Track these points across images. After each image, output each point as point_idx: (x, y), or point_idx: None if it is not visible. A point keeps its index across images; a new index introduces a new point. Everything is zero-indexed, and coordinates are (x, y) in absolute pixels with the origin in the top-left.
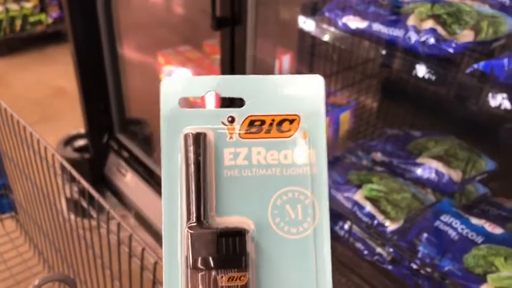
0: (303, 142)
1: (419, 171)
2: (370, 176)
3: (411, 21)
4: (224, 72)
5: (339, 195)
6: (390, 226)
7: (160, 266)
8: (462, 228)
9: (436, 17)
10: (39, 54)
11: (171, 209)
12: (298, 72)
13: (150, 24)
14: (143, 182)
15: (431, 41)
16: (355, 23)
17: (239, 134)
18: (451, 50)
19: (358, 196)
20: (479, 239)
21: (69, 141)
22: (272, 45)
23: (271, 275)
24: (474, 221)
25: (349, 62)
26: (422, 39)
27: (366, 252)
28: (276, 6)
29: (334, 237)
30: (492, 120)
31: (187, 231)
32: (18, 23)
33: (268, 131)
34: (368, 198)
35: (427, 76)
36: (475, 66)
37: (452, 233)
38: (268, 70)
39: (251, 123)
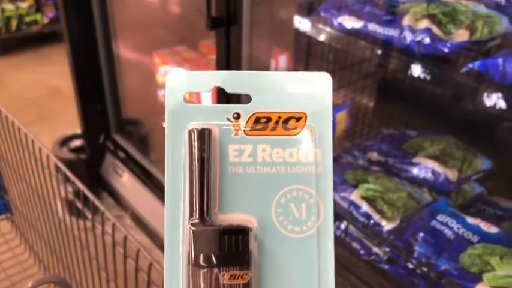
0: (309, 140)
1: (415, 171)
2: (366, 175)
3: (406, 21)
4: None
5: (335, 195)
6: (386, 226)
7: (155, 267)
8: (458, 228)
9: (432, 17)
10: (34, 54)
11: (174, 205)
12: None
13: (146, 24)
14: (139, 182)
15: (427, 40)
16: (350, 22)
17: (244, 130)
18: (446, 50)
19: (355, 196)
20: (475, 238)
21: (65, 141)
22: (268, 45)
23: (274, 273)
24: (470, 220)
25: (345, 62)
26: (418, 38)
27: (362, 251)
28: (271, 6)
29: None
30: (488, 120)
31: (190, 228)
32: (13, 23)
33: (274, 129)
34: (364, 198)
35: (422, 76)
36: (470, 65)
37: (448, 233)
38: (264, 70)
39: (257, 120)
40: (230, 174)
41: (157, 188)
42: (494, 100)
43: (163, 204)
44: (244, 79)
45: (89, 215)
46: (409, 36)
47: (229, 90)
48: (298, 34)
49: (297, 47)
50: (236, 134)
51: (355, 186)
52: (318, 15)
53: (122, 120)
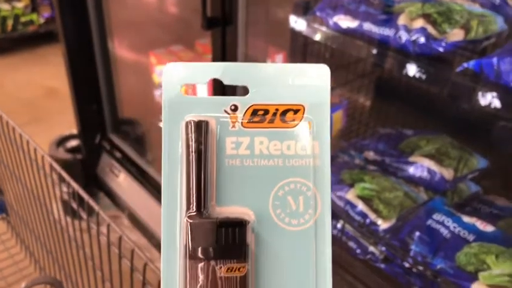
0: (307, 133)
1: (411, 170)
2: (362, 174)
3: (402, 20)
4: None
5: (332, 194)
6: (382, 225)
7: (150, 267)
8: (454, 227)
9: (427, 16)
10: (30, 54)
11: (171, 198)
12: None
13: (142, 23)
14: (136, 182)
15: (422, 40)
16: (346, 22)
17: (242, 123)
18: (441, 49)
19: (351, 195)
20: (471, 237)
21: (61, 141)
22: (264, 44)
23: (271, 266)
24: (466, 219)
25: (341, 61)
26: (413, 38)
27: (358, 251)
28: (267, 6)
29: None
30: (483, 119)
31: (187, 220)
32: (9, 23)
33: (271, 121)
34: (360, 197)
35: (417, 75)
36: (465, 65)
37: (444, 231)
38: None
39: (254, 113)
40: (227, 166)
41: (153, 187)
42: (489, 99)
43: (160, 203)
44: (242, 71)
45: (84, 215)
46: (404, 36)
47: (226, 82)
48: (295, 33)
49: (293, 47)
50: (233, 126)
51: (351, 186)
52: (313, 14)
53: (118, 120)
